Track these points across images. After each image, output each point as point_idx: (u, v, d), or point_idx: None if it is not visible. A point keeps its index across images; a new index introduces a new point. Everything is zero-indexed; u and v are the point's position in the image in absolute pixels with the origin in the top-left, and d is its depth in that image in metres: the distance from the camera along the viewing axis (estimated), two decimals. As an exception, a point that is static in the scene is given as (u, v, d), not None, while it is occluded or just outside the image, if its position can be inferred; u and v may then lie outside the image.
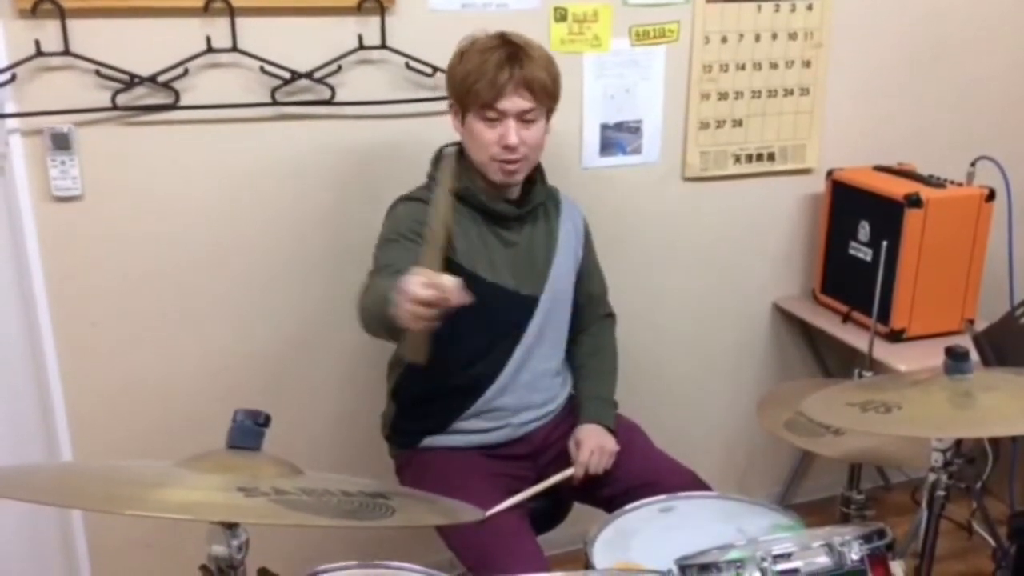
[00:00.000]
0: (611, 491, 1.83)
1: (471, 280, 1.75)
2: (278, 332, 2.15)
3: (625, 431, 1.94)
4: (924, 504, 1.53)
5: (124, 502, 0.95)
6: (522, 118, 1.73)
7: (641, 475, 1.82)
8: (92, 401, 2.05)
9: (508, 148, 1.74)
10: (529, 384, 1.88)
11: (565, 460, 1.86)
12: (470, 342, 1.81)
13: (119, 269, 1.99)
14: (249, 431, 1.13)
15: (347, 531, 2.29)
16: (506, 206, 1.83)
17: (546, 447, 1.91)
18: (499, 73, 1.71)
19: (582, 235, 1.97)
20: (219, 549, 1.06)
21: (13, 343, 2.00)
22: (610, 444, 1.86)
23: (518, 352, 1.85)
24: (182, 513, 0.94)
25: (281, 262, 2.08)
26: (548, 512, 1.91)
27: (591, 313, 2.02)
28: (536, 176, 1.88)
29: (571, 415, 1.93)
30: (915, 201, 2.21)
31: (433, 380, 1.83)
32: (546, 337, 1.89)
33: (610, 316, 2.08)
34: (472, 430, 1.87)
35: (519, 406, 1.88)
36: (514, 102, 1.72)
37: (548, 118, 1.80)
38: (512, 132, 1.73)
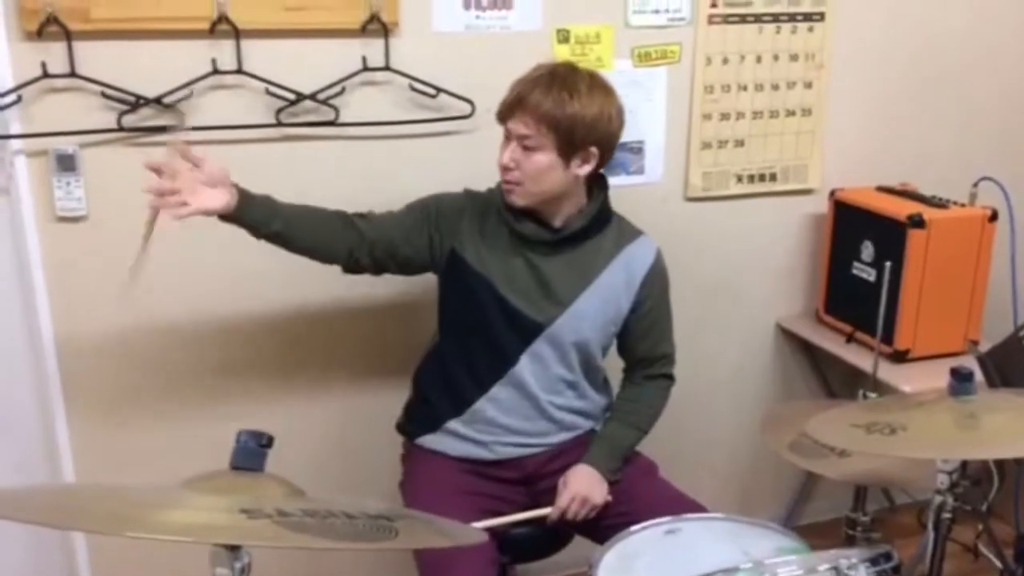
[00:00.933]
0: (610, 524, 1.78)
1: (484, 286, 1.81)
2: (282, 349, 2.15)
3: (640, 474, 1.90)
4: (930, 526, 1.52)
5: (126, 523, 0.94)
6: (523, 143, 1.74)
7: (646, 516, 1.72)
8: (95, 420, 2.04)
9: (501, 167, 1.77)
10: (528, 410, 1.87)
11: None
12: (475, 341, 1.85)
13: (123, 287, 1.99)
14: (252, 452, 1.12)
15: (351, 553, 2.27)
16: (533, 228, 1.82)
17: (542, 476, 1.89)
18: (512, 94, 1.75)
19: (635, 289, 1.86)
20: (222, 572, 1.05)
21: (17, 361, 2.00)
22: (596, 496, 1.80)
23: (513, 372, 1.85)
24: (185, 535, 0.93)
25: (285, 279, 2.08)
26: (543, 539, 1.89)
27: (640, 372, 1.95)
28: (585, 209, 1.84)
29: (577, 450, 1.89)
30: (918, 222, 2.21)
31: (443, 367, 1.89)
32: (549, 370, 1.86)
33: (663, 378, 1.96)
34: (462, 435, 1.88)
35: (512, 427, 1.87)
36: (515, 124, 1.75)
37: (568, 156, 1.74)
38: (507, 152, 1.76)
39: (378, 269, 1.86)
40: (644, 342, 1.93)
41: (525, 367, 1.85)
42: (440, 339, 1.93)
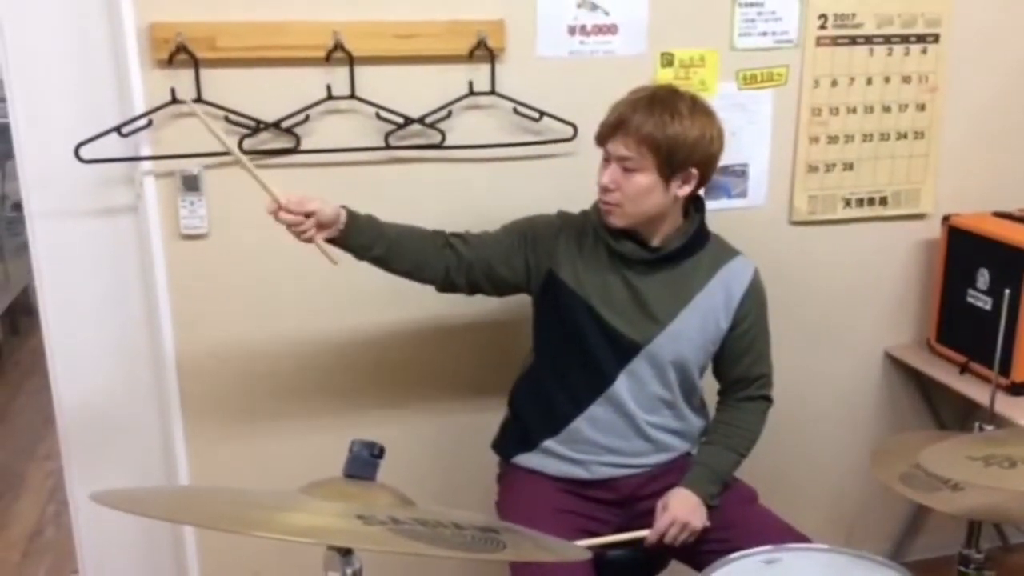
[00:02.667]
0: (708, 550, 1.75)
1: (581, 305, 1.82)
2: (387, 365, 2.20)
3: (740, 500, 1.88)
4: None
5: (251, 524, 0.98)
6: (623, 165, 1.75)
7: (745, 543, 1.66)
8: (211, 429, 2.13)
9: (601, 188, 1.78)
10: (624, 429, 1.87)
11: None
12: (571, 360, 1.85)
13: (240, 302, 2.08)
14: (365, 461, 1.15)
15: (448, 565, 2.30)
16: (631, 247, 1.82)
17: (638, 498, 1.88)
18: (613, 116, 1.76)
19: (734, 308, 1.86)
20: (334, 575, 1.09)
21: (139, 369, 2.10)
22: (696, 520, 1.78)
23: (610, 390, 1.85)
24: (306, 537, 0.97)
25: (393, 294, 2.12)
26: (639, 563, 1.87)
27: (737, 393, 1.93)
28: (683, 228, 1.84)
29: (673, 472, 1.88)
30: (1038, 249, 2.13)
31: (539, 387, 1.91)
32: (647, 389, 1.85)
33: (761, 399, 1.94)
34: (559, 455, 1.88)
35: (609, 446, 1.87)
36: (616, 146, 1.75)
37: (668, 177, 1.74)
38: (607, 173, 1.77)
39: (472, 289, 1.89)
40: (741, 362, 1.91)
41: (622, 385, 1.85)
42: (535, 358, 1.94)
